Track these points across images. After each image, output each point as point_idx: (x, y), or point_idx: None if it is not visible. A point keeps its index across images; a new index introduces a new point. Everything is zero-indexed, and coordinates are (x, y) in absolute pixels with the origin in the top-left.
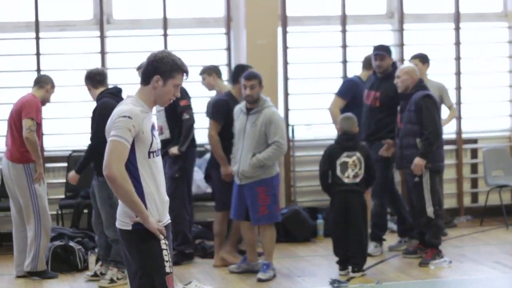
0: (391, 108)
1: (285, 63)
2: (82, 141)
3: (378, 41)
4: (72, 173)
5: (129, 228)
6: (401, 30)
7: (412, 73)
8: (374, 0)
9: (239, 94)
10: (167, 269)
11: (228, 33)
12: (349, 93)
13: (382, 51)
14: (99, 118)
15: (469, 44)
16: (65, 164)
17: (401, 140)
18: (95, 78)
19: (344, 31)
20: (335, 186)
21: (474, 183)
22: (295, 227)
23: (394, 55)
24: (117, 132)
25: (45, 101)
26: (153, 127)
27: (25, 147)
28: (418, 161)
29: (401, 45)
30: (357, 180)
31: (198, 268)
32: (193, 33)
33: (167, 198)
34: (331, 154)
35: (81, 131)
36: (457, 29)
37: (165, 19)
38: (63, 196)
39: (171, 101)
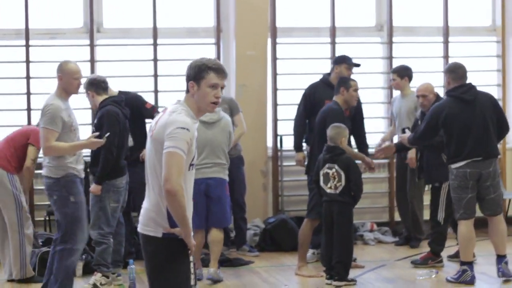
0: (356, 115)
1: (274, 74)
2: None
3: (367, 54)
4: (94, 186)
5: (159, 235)
6: (390, 43)
7: (434, 90)
8: (364, 12)
9: (344, 104)
10: (192, 281)
11: (217, 44)
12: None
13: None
14: (109, 126)
15: (458, 57)
16: None
17: (427, 156)
18: (100, 85)
19: (333, 43)
20: (322, 196)
21: None
22: (282, 236)
23: (384, 68)
24: (176, 144)
25: None
26: (196, 139)
27: (15, 161)
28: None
29: (390, 57)
30: (338, 191)
31: None
32: (182, 43)
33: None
34: (318, 164)
35: None
36: (446, 42)
37: (155, 29)
38: None
39: (216, 104)
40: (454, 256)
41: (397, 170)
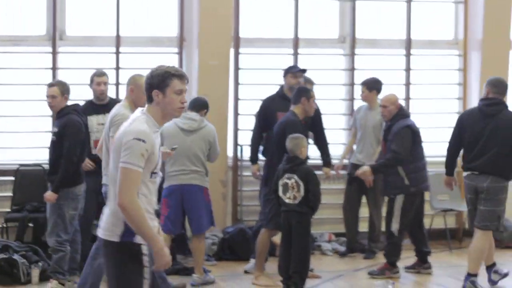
0: (315, 126)
1: (236, 83)
2: (29, 155)
3: (330, 65)
4: (50, 194)
5: (117, 240)
6: (352, 55)
7: (396, 102)
8: (327, 24)
9: (302, 114)
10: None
11: (180, 53)
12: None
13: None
14: (72, 136)
15: (420, 70)
16: (12, 178)
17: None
18: (69, 93)
19: (296, 54)
20: (280, 205)
21: None
22: (240, 245)
23: (346, 80)
24: (130, 159)
25: None
26: (159, 146)
27: None
28: (366, 168)
29: (352, 69)
30: (296, 201)
31: None
32: (145, 51)
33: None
34: (277, 174)
35: (29, 145)
36: (408, 55)
37: (118, 37)
38: (9, 210)
39: (183, 109)
40: (411, 268)
41: (348, 180)
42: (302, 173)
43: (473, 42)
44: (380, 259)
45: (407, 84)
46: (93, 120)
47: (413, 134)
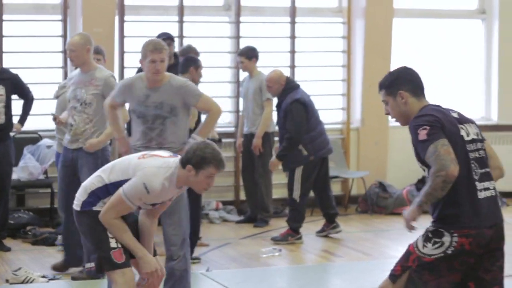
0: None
1: (122, 52)
2: None
3: (215, 33)
4: None
5: (78, 209)
6: (237, 23)
7: (280, 79)
8: None
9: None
10: (113, 244)
11: (64, 20)
12: None
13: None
14: None
15: (304, 38)
16: None
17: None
18: None
19: (181, 22)
20: None
21: None
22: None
23: (231, 48)
24: (128, 191)
25: None
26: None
27: None
28: (273, 160)
29: (237, 37)
30: None
31: (29, 255)
32: (29, 19)
33: None
34: None
35: None
36: (293, 23)
37: (1, 4)
38: None
39: (205, 190)
40: (321, 231)
41: (243, 150)
42: None
43: (357, 10)
44: (269, 227)
45: (292, 51)
46: None
47: (303, 106)
